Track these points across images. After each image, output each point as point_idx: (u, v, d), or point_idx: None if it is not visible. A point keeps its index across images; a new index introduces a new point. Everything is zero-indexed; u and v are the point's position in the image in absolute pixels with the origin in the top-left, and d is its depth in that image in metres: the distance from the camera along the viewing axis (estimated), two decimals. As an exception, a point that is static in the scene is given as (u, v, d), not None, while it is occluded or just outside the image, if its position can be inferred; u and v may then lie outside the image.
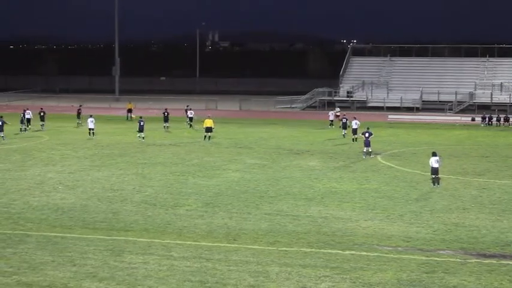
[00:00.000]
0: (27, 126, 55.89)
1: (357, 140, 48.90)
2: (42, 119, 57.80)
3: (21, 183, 32.94)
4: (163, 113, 58.77)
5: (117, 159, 41.28)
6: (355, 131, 50.36)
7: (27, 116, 56.40)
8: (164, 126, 57.83)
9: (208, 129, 50.50)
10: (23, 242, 22.54)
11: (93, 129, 51.60)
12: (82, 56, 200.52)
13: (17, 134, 53.85)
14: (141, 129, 50.56)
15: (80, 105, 66.26)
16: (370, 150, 43.15)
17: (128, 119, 66.90)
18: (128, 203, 28.77)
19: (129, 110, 68.50)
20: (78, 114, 62.29)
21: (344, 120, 54.85)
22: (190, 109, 62.64)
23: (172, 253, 21.34)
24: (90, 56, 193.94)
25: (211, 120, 51.01)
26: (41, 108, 59.51)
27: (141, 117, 52.38)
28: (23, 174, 35.65)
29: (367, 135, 43.16)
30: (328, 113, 65.66)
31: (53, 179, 34.32)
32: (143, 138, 50.32)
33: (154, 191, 31.33)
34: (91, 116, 52.46)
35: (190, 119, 60.97)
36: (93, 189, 31.81)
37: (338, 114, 64.26)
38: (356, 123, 51.13)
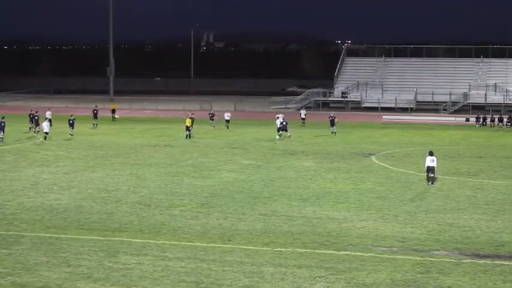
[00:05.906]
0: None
1: (290, 137, 52.17)
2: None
3: (15, 184, 32.86)
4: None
5: (112, 159, 41.23)
6: (283, 129, 52.64)
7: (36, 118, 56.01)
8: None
9: (187, 128, 52.91)
10: (18, 242, 22.48)
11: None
12: (77, 57, 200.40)
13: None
14: (1, 129, 49.99)
15: (96, 106, 64.90)
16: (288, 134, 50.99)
17: (113, 119, 67.58)
18: (122, 204, 28.73)
19: (113, 111, 69.74)
20: (95, 115, 61.50)
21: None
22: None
23: (167, 254, 21.32)
24: (85, 57, 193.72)
25: (190, 120, 53.47)
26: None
27: (3, 117, 51.24)
28: (17, 175, 35.58)
29: (284, 123, 51.87)
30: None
31: (47, 179, 34.25)
32: (1, 138, 49.50)
33: (149, 192, 31.30)
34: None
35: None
36: (88, 190, 31.75)
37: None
38: (281, 121, 53.51)
